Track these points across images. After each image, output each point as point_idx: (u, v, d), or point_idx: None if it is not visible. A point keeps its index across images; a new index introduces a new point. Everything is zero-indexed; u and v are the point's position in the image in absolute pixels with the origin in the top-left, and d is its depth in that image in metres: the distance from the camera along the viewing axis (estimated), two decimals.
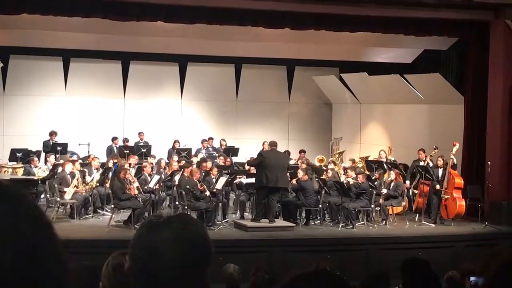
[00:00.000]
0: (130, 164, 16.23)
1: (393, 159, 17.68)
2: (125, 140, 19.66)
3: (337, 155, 20.39)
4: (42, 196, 15.59)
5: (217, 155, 18.69)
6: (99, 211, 15.35)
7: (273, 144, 14.67)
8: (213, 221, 14.16)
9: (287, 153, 19.57)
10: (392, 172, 15.79)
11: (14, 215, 1.02)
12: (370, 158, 18.40)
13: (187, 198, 14.16)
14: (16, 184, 1.38)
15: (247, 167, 16.24)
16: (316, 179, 15.27)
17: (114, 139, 19.43)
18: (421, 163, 16.37)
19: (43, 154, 17.85)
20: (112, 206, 14.62)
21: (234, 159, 18.57)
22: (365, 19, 15.63)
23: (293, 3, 15.00)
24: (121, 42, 18.70)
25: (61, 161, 16.30)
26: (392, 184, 15.49)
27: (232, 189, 16.05)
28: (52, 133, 18.85)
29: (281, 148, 19.98)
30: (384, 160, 17.34)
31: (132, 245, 1.82)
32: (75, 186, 14.80)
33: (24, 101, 20.61)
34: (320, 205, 14.87)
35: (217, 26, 15.87)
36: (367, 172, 16.30)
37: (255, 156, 15.09)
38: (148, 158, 17.97)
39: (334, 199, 14.95)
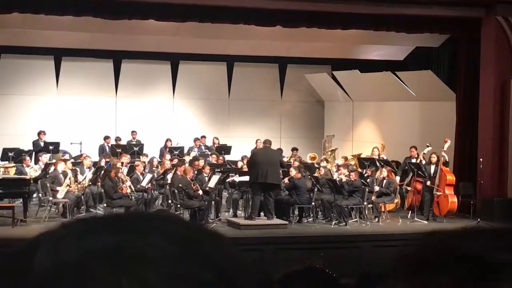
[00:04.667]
0: (122, 163, 16.21)
1: (384, 157, 17.70)
2: (117, 139, 19.64)
3: (329, 153, 20.41)
4: (35, 195, 15.57)
5: (209, 153, 18.69)
6: (91, 210, 15.31)
7: (266, 142, 14.80)
8: (206, 219, 14.16)
9: (280, 151, 19.62)
10: (384, 169, 15.82)
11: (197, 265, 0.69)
12: (362, 156, 18.42)
13: (180, 196, 14.16)
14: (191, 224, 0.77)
15: (239, 165, 16.29)
16: (309, 176, 15.29)
17: (106, 138, 19.39)
18: (413, 160, 16.41)
19: (34, 154, 17.82)
20: (105, 205, 14.63)
21: (227, 157, 18.57)
22: (357, 16, 15.64)
23: (284, 1, 14.99)
24: (112, 41, 18.67)
25: (53, 160, 16.27)
26: (385, 181, 15.52)
27: (225, 187, 16.05)
28: (40, 132, 18.79)
29: (273, 146, 20.04)
30: (377, 157, 17.36)
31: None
32: (68, 185, 14.77)
33: (16, 100, 20.55)
34: (313, 203, 14.88)
35: (209, 24, 15.86)
36: (359, 170, 16.33)
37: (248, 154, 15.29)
38: (141, 157, 17.96)
39: (326, 196, 14.96)
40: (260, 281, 0.74)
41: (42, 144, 18.46)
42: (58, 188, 14.61)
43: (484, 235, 0.78)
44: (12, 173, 15.98)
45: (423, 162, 16.09)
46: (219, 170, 15.79)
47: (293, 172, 15.03)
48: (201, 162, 16.01)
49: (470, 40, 16.46)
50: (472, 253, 0.74)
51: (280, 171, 14.86)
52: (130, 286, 0.65)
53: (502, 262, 0.73)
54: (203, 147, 19.76)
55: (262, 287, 0.74)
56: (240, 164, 16.84)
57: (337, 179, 15.37)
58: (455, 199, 15.35)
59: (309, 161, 18.67)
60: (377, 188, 15.32)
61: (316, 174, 15.86)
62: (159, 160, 17.47)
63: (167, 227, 0.71)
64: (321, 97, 23.14)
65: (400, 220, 15.23)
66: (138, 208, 14.28)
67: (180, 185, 14.20)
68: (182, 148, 19.10)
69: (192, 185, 14.29)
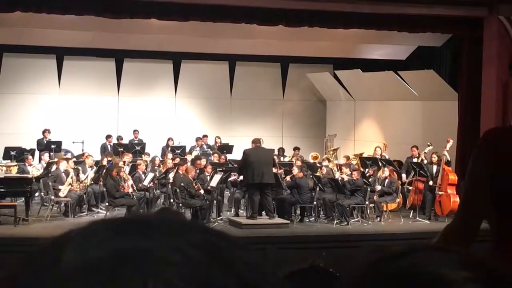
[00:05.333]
0: (124, 162, 16.23)
1: (387, 156, 17.70)
2: (119, 138, 19.64)
3: (331, 152, 20.41)
4: (37, 194, 15.58)
5: (211, 152, 18.70)
6: (93, 209, 15.34)
7: (256, 141, 14.76)
8: (208, 218, 14.17)
9: (282, 150, 19.66)
10: (386, 168, 15.82)
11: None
12: (364, 155, 18.43)
13: (182, 195, 14.18)
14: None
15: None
16: (311, 176, 15.29)
17: (108, 137, 19.41)
18: (414, 160, 16.41)
19: (37, 152, 17.85)
20: (107, 204, 14.64)
21: (229, 156, 18.57)
22: (359, 16, 15.63)
23: (287, 0, 14.99)
24: (114, 40, 18.68)
25: (55, 159, 16.28)
26: (387, 180, 15.52)
27: (226, 186, 16.06)
28: (45, 131, 18.85)
29: (275, 145, 20.06)
30: (379, 156, 17.37)
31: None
32: (70, 184, 14.79)
33: (18, 99, 20.57)
34: (315, 202, 14.89)
35: (211, 24, 15.85)
36: (361, 169, 16.33)
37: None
38: (142, 156, 17.97)
39: (328, 196, 14.97)
40: None
41: (46, 142, 18.50)
42: (60, 187, 14.63)
43: (434, 252, 0.77)
44: (14, 172, 16.01)
45: (425, 161, 16.10)
46: (221, 169, 15.79)
47: (295, 171, 15.04)
48: (203, 161, 16.02)
49: (472, 39, 16.45)
50: (424, 272, 0.73)
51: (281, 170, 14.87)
52: None
53: (455, 280, 0.72)
54: (205, 146, 19.77)
55: None
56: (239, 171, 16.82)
57: (339, 178, 15.37)
58: (457, 199, 15.31)
59: (311, 161, 18.66)
60: (379, 188, 15.32)
61: (318, 174, 15.87)
62: (161, 159, 17.48)
63: (195, 234, 0.72)
64: (323, 96, 23.13)
65: (402, 220, 15.23)
66: (140, 207, 14.29)
67: (182, 184, 14.21)
68: (184, 147, 19.11)
69: (194, 184, 14.30)
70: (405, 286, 0.73)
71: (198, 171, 15.20)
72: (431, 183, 15.55)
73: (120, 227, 0.72)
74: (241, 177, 15.17)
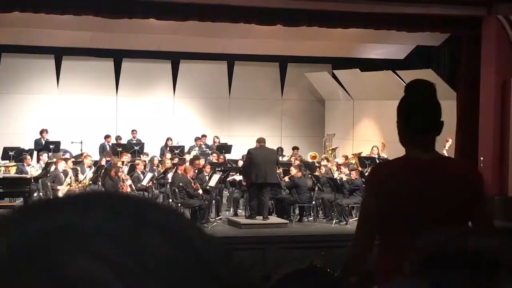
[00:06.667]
0: (123, 162, 16.23)
1: (385, 156, 17.70)
2: (118, 138, 19.64)
3: (330, 152, 20.41)
4: (35, 194, 15.55)
5: (210, 152, 18.70)
6: None
7: (260, 140, 14.75)
8: (207, 218, 14.16)
9: (280, 150, 19.64)
10: None
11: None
12: (362, 155, 18.43)
13: (181, 195, 14.17)
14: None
15: (240, 164, 16.29)
16: (309, 175, 15.29)
17: (106, 137, 19.40)
18: None
19: (35, 153, 17.83)
20: None
21: (227, 156, 18.57)
22: (357, 15, 15.63)
23: (285, 0, 15.00)
24: (113, 40, 18.67)
25: (54, 159, 16.28)
26: None
27: (225, 186, 16.06)
28: (43, 131, 18.84)
29: (274, 145, 20.05)
30: (377, 156, 17.37)
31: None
32: (68, 184, 14.78)
33: (17, 99, 20.56)
34: (314, 202, 14.89)
35: (209, 23, 15.85)
36: (360, 169, 16.33)
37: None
38: (141, 156, 17.96)
39: (327, 195, 14.97)
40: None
41: (44, 142, 18.50)
42: (58, 187, 14.62)
43: (500, 235, 0.79)
44: (12, 172, 15.99)
45: None
46: (219, 169, 15.80)
47: (293, 171, 15.04)
48: (202, 161, 16.03)
49: (471, 39, 16.45)
50: (491, 253, 0.75)
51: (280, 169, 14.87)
52: (86, 263, 0.61)
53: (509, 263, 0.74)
54: (203, 146, 19.77)
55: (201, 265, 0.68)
56: (240, 163, 16.85)
57: (338, 178, 15.37)
58: None
59: (310, 160, 18.67)
60: None
61: (316, 173, 15.87)
62: (159, 159, 17.48)
63: (114, 202, 0.68)
64: (322, 96, 23.14)
65: None
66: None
67: (181, 184, 14.22)
68: (182, 147, 19.11)
69: (192, 184, 14.30)
70: (468, 264, 0.76)
71: (197, 171, 15.20)
72: None
73: (24, 213, 0.66)
74: (241, 176, 15.18)
